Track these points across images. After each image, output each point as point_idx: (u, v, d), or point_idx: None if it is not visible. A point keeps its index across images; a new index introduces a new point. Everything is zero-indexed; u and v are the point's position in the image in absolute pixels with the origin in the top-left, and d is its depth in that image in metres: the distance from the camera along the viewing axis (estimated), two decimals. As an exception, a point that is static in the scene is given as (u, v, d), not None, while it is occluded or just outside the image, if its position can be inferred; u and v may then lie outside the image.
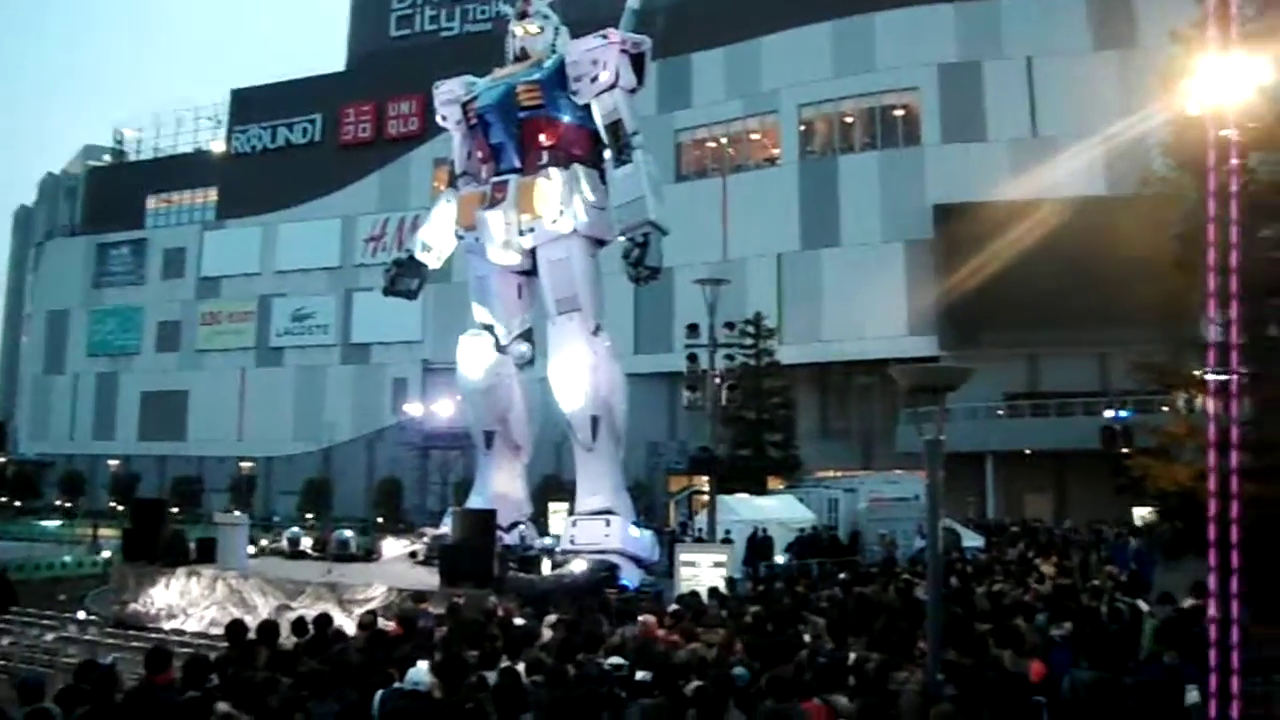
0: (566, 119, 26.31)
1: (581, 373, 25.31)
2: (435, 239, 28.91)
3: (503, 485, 27.97)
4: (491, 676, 10.01)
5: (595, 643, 12.25)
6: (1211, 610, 7.59)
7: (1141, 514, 43.35)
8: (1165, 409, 38.84)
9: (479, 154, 27.85)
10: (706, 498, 37.64)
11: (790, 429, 56.16)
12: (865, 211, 60.72)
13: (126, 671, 14.23)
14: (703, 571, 22.63)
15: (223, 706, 8.77)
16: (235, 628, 12.84)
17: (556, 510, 34.52)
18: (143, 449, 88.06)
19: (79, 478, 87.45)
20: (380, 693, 9.69)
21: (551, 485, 48.14)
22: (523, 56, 27.41)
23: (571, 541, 25.37)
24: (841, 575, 23.71)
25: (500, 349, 27.24)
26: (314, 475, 77.50)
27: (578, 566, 23.69)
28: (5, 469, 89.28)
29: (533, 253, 26.27)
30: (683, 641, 13.09)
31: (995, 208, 53.66)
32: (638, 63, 25.91)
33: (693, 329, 34.74)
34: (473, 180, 27.94)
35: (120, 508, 65.72)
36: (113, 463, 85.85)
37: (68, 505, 79.50)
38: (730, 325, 39.97)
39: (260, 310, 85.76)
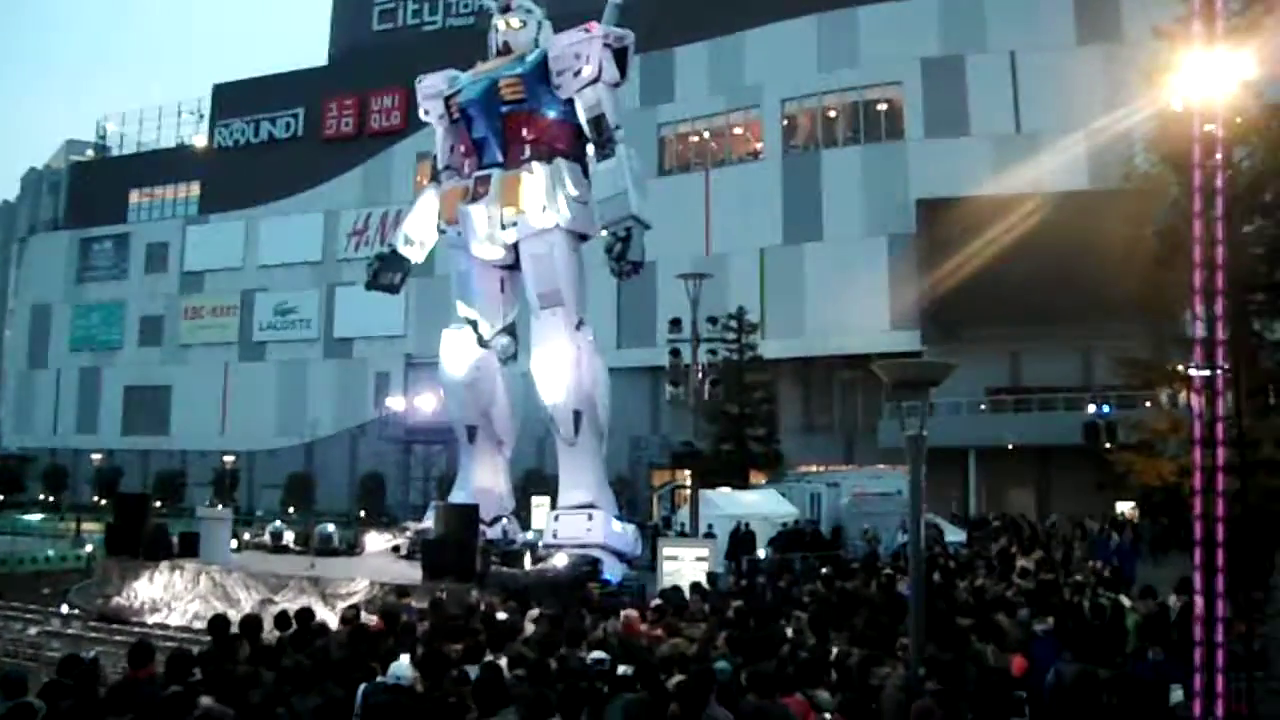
0: (549, 113, 26.28)
1: (564, 367, 25.30)
2: (418, 233, 28.82)
3: (485, 480, 27.93)
4: (474, 671, 10.01)
5: (577, 637, 12.24)
6: (1197, 609, 7.62)
7: (1124, 509, 43.60)
8: (1148, 404, 39.04)
9: (462, 148, 27.78)
10: (689, 492, 37.67)
11: (773, 423, 56.19)
12: (848, 206, 60.79)
13: (109, 666, 14.25)
14: (685, 566, 22.62)
15: (206, 701, 8.75)
16: (218, 622, 12.81)
17: (539, 505, 34.49)
18: (126, 443, 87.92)
19: (62, 472, 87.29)
20: (363, 687, 9.67)
21: (534, 480, 48.17)
22: (505, 51, 27.35)
23: (554, 536, 25.35)
24: (824, 570, 23.72)
25: (483, 343, 27.19)
26: (297, 470, 77.46)
27: (560, 561, 23.66)
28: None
29: (515, 247, 26.23)
30: (665, 636, 13.09)
31: (978, 203, 53.76)
32: (620, 57, 25.84)
33: (675, 323, 34.79)
34: (455, 174, 27.87)
35: (103, 502, 65.66)
36: (96, 457, 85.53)
37: (51, 499, 79.35)
38: (713, 320, 40.12)
39: (243, 305, 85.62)
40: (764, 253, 62.93)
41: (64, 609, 26.62)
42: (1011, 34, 58.12)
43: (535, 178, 25.69)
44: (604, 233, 24.97)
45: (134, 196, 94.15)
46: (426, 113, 28.75)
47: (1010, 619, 14.26)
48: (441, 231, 27.84)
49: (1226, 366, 8.04)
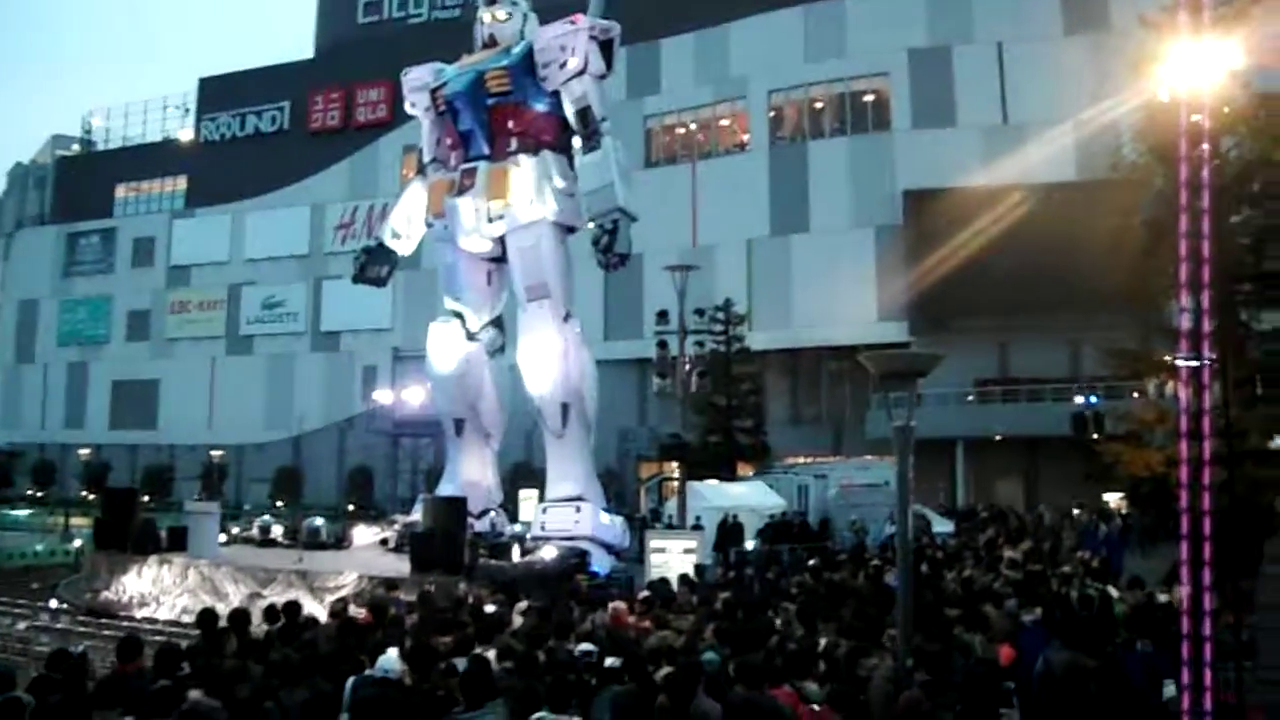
0: (535, 106, 26.33)
1: (552, 359, 25.34)
2: (405, 226, 28.85)
3: (473, 472, 27.97)
4: (462, 663, 10.00)
5: (566, 629, 12.25)
6: (1184, 601, 7.63)
7: (1112, 499, 43.65)
8: (1136, 395, 39.14)
9: (448, 141, 27.82)
10: (677, 484, 37.69)
11: (760, 415, 56.20)
12: (835, 197, 60.72)
13: (98, 660, 14.23)
14: (673, 558, 22.71)
15: (194, 694, 8.73)
16: (206, 616, 12.80)
17: (527, 497, 34.50)
18: (114, 438, 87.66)
19: (50, 467, 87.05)
20: (351, 680, 9.67)
21: (522, 472, 48.15)
22: (491, 43, 27.38)
23: (542, 528, 25.42)
24: (812, 561, 23.78)
25: (470, 336, 27.21)
26: (285, 463, 77.31)
27: (548, 553, 23.73)
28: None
29: (502, 240, 26.25)
30: (653, 628, 13.10)
31: (966, 194, 53.73)
32: (606, 49, 25.90)
33: (663, 315, 34.81)
34: (442, 167, 27.92)
35: (92, 496, 65.50)
36: (84, 452, 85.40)
37: (39, 494, 79.17)
38: (700, 312, 40.10)
39: (230, 299, 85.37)
40: (751, 244, 62.87)
41: (53, 604, 26.62)
42: (999, 24, 58.07)
43: (523, 171, 25.73)
44: (591, 225, 25.06)
45: (120, 191, 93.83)
46: (412, 105, 28.79)
47: (998, 610, 14.28)
48: (429, 224, 27.89)
49: (1213, 357, 8.05)
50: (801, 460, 54.45)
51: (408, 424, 57.14)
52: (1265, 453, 25.03)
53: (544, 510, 26.16)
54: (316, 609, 18.50)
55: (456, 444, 28.32)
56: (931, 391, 46.72)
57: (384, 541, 28.08)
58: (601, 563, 24.54)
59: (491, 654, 10.61)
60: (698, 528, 30.73)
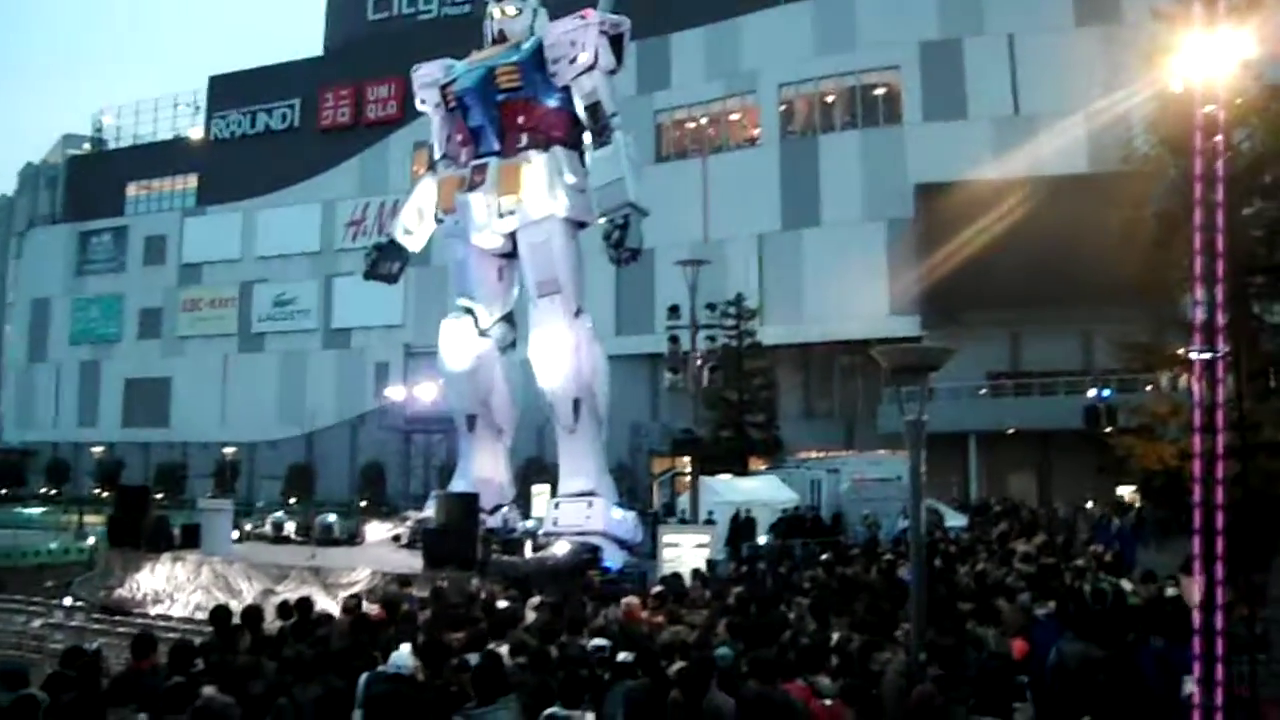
0: (545, 101, 26.26)
1: (563, 355, 25.31)
2: (415, 223, 28.85)
3: (485, 468, 27.96)
4: (475, 659, 10.00)
5: (578, 624, 12.25)
6: (1198, 595, 7.60)
7: (1125, 493, 43.55)
8: (1149, 388, 38.98)
9: (458, 137, 27.78)
10: (689, 479, 37.63)
11: (772, 410, 56.16)
12: (846, 191, 60.64)
13: (112, 657, 14.26)
14: (685, 553, 22.64)
15: (208, 691, 8.74)
16: (220, 613, 12.82)
17: (539, 493, 34.40)
18: (126, 436, 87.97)
19: (64, 465, 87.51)
20: (364, 676, 9.67)
21: (534, 468, 48.10)
22: (501, 39, 27.31)
23: (554, 524, 25.39)
24: (824, 556, 23.74)
25: (482, 332, 27.21)
26: (297, 460, 77.55)
27: (560, 549, 23.70)
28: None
29: (513, 235, 26.23)
30: (666, 623, 13.09)
31: (977, 186, 53.67)
32: (616, 43, 25.82)
33: (674, 310, 34.75)
34: (452, 163, 27.88)
35: (105, 494, 65.60)
36: (97, 450, 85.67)
37: (53, 492, 79.40)
38: (711, 306, 40.04)
39: (241, 296, 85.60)
40: (762, 239, 62.85)
41: (67, 601, 26.68)
42: (1010, 16, 57.95)
43: (534, 167, 25.69)
44: (602, 220, 25.00)
45: (131, 189, 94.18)
46: (423, 102, 28.78)
47: (1011, 604, 14.25)
48: (439, 220, 27.87)
49: (1227, 350, 8.01)
50: (814, 455, 54.39)
51: (420, 420, 57.23)
52: (1279, 446, 24.94)
53: (556, 505, 26.13)
54: (329, 605, 18.52)
55: (469, 440, 28.31)
56: (944, 385, 46.70)
57: (396, 538, 28.12)
58: (614, 558, 24.50)
59: (504, 649, 10.63)
60: (710, 522, 30.68)
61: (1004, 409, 54.41)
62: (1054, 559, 21.02)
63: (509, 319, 27.85)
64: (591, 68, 25.39)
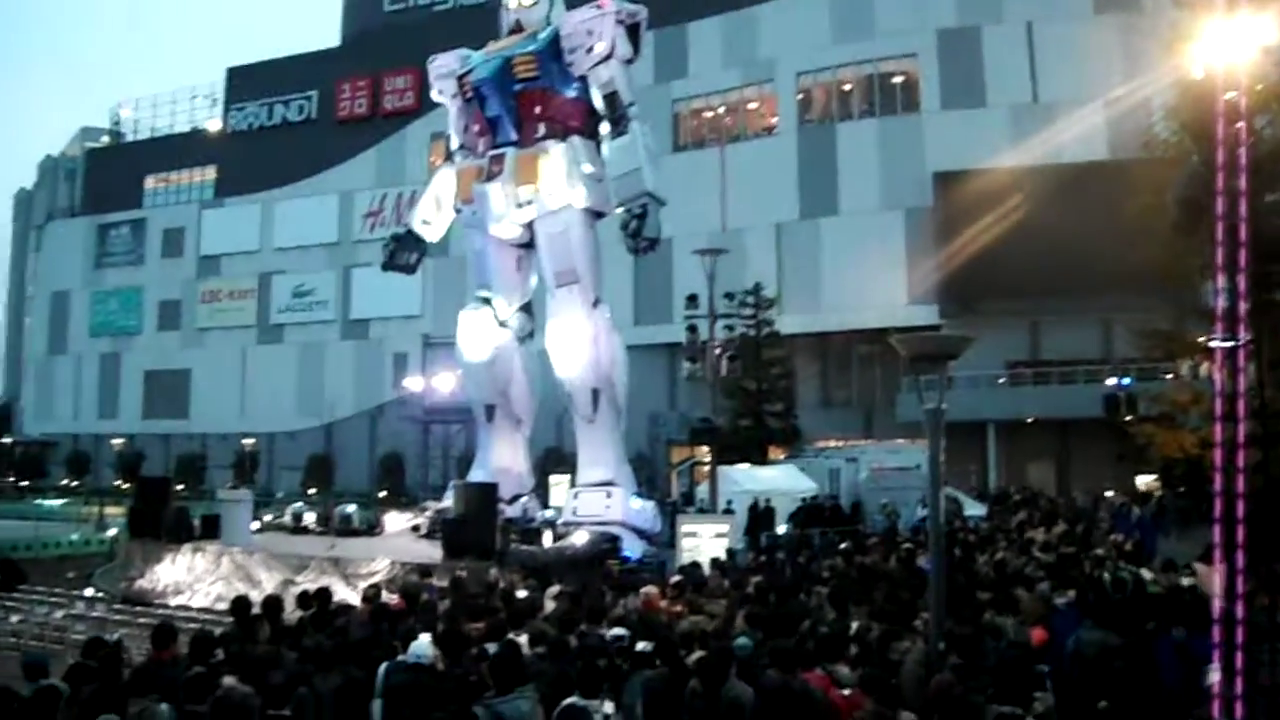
0: (563, 91, 26.25)
1: (581, 345, 25.32)
2: (433, 213, 28.87)
3: (504, 458, 27.99)
4: (494, 649, 10.01)
5: (597, 614, 12.24)
6: (1218, 585, 7.57)
7: (1144, 482, 43.38)
8: (1169, 376, 38.82)
9: (476, 127, 27.78)
10: (708, 468, 37.63)
11: (791, 399, 56.12)
12: (864, 180, 60.48)
13: (133, 648, 14.32)
14: (704, 542, 22.65)
15: (228, 681, 8.77)
16: (240, 603, 12.86)
17: (558, 482, 34.51)
18: (146, 427, 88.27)
19: (84, 457, 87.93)
20: (384, 665, 9.68)
21: (553, 458, 48.21)
22: (518, 29, 27.29)
23: (573, 513, 25.43)
24: (843, 545, 23.71)
25: (500, 323, 27.22)
26: (316, 451, 77.73)
27: (579, 538, 23.73)
28: (11, 449, 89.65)
29: (531, 225, 26.22)
30: (686, 612, 13.09)
31: (995, 174, 53.51)
32: (633, 33, 25.79)
33: (692, 300, 34.71)
34: (470, 154, 27.90)
35: (125, 486, 65.95)
36: (117, 442, 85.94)
37: (74, 484, 79.78)
38: (730, 296, 39.99)
39: (260, 288, 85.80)
40: (780, 228, 62.73)
41: (88, 592, 26.88)
42: (1028, 4, 57.68)
43: (551, 157, 25.68)
44: (619, 210, 24.97)
45: (150, 182, 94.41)
46: (439, 92, 28.77)
47: (1030, 593, 14.21)
48: (457, 211, 27.87)
49: (1249, 338, 7.96)
50: (832, 443, 54.31)
51: (438, 411, 57.25)
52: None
53: (575, 495, 26.17)
54: (349, 595, 18.59)
55: (487, 430, 28.35)
56: (963, 374, 46.55)
57: (416, 528, 28.19)
58: (633, 547, 24.54)
59: (523, 639, 10.63)
60: (729, 512, 30.69)
61: (1023, 397, 54.25)
62: (1074, 548, 20.96)
63: (527, 309, 27.87)
64: (608, 57, 25.35)
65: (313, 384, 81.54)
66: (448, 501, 26.89)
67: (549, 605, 13.61)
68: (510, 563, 20.82)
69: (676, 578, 16.09)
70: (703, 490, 39.21)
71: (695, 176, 62.00)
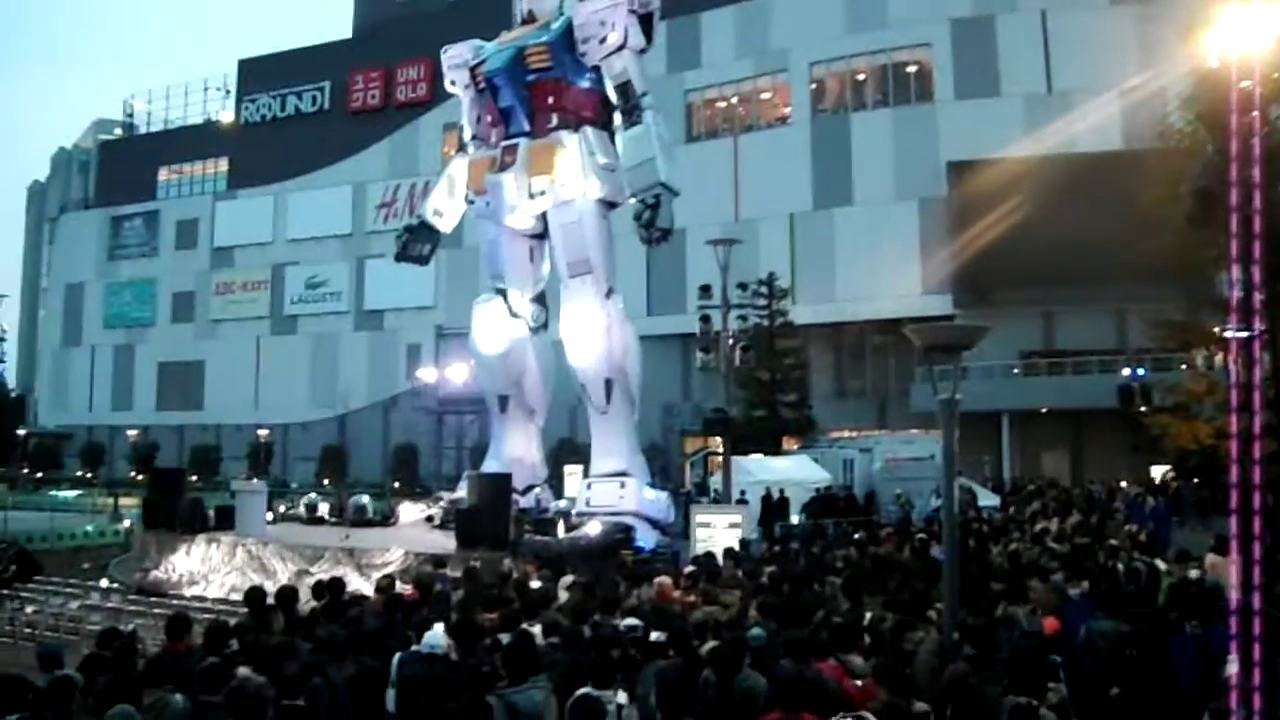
0: (575, 81, 26.20)
1: (595, 335, 25.31)
2: (446, 204, 28.83)
3: (518, 449, 28.02)
4: (508, 639, 10.02)
5: (611, 604, 12.25)
6: (1234, 576, 7.53)
7: (1159, 472, 43.33)
8: (1184, 367, 38.75)
9: (488, 118, 27.78)
10: (721, 459, 37.64)
11: (804, 389, 56.15)
12: (878, 170, 60.35)
13: (148, 638, 14.37)
14: (718, 532, 22.64)
15: (243, 671, 8.80)
16: (254, 594, 12.88)
17: (571, 473, 34.58)
18: (161, 419, 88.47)
19: (99, 448, 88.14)
20: (398, 655, 9.71)
21: (566, 448, 48.29)
22: (530, 19, 27.28)
23: (587, 504, 25.44)
24: (857, 535, 23.70)
25: (513, 313, 27.23)
26: (330, 442, 77.90)
27: (593, 529, 23.72)
28: (26, 441, 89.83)
29: (544, 216, 26.21)
30: (699, 602, 13.09)
31: (1010, 164, 53.35)
32: (646, 23, 25.74)
33: (705, 290, 34.66)
34: (483, 144, 27.91)
35: (140, 477, 66.12)
36: (131, 433, 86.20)
37: (88, 475, 79.97)
38: (743, 286, 40.00)
39: (274, 279, 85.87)
40: (794, 218, 62.64)
41: (103, 583, 26.91)
42: (1042, -7, 57.56)
43: (566, 148, 25.63)
44: (633, 200, 24.95)
45: (163, 174, 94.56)
46: (452, 83, 28.75)
47: (1044, 583, 14.19)
48: (470, 202, 27.85)
49: (1263, 329, 7.93)
50: (846, 434, 54.30)
51: (452, 401, 57.31)
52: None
53: (589, 486, 26.19)
54: (363, 585, 18.63)
55: (501, 421, 28.38)
56: (976, 364, 46.52)
57: (430, 518, 28.20)
58: (646, 537, 24.53)
59: (537, 629, 10.64)
60: (742, 502, 30.71)
61: (1037, 388, 54.19)
62: (1088, 539, 20.92)
63: (541, 299, 27.87)
64: (621, 47, 25.28)
65: (326, 375, 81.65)
66: (461, 492, 26.93)
67: (562, 596, 13.63)
68: (524, 553, 20.82)
69: (690, 568, 16.10)
70: (716, 481, 39.24)
71: (709, 167, 61.97)
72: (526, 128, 26.30)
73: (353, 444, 77.60)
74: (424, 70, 77.26)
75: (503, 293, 27.44)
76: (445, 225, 29.24)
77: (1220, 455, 24.52)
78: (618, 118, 25.58)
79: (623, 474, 25.70)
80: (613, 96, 25.53)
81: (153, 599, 23.52)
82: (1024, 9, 58.11)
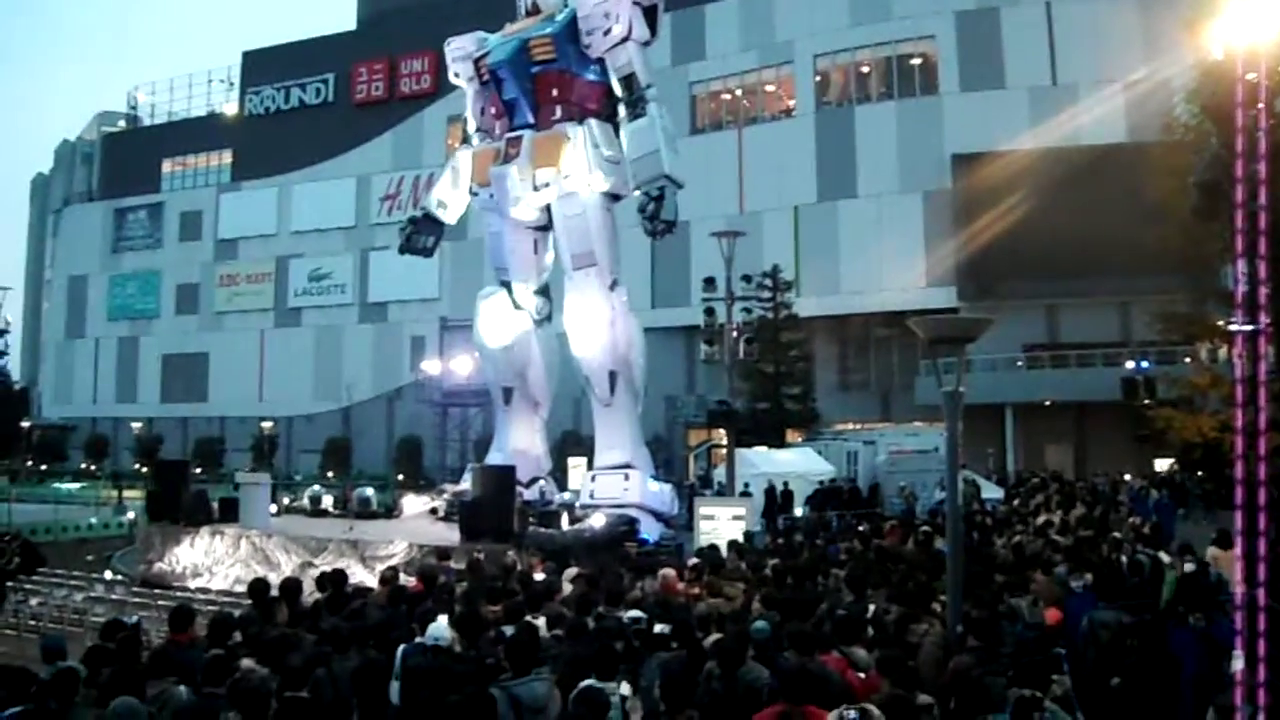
0: (580, 73, 26.16)
1: (599, 327, 25.29)
2: (450, 196, 28.84)
3: (522, 441, 28.03)
4: (512, 631, 10.02)
5: (615, 596, 12.24)
6: (1239, 571, 7.54)
7: (1162, 465, 43.32)
8: (1187, 360, 38.70)
9: (492, 110, 27.77)
10: (725, 451, 37.63)
11: (808, 382, 56.16)
12: (882, 162, 60.31)
13: (152, 630, 14.39)
14: (722, 525, 22.64)
15: (246, 663, 8.81)
16: (258, 586, 12.89)
17: (575, 465, 34.58)
18: (165, 411, 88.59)
19: (103, 441, 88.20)
20: (402, 647, 9.71)
21: (570, 440, 48.30)
22: (534, 11, 27.25)
23: (591, 496, 25.42)
24: (861, 528, 23.69)
25: (517, 305, 27.23)
26: (334, 434, 78.02)
27: (597, 521, 23.73)
28: (30, 433, 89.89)
29: (548, 208, 26.19)
30: (704, 594, 13.09)
31: (1014, 157, 53.35)
32: (650, 15, 25.70)
33: (710, 282, 34.62)
34: (487, 137, 27.91)
35: (144, 469, 66.20)
36: (136, 425, 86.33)
37: (92, 468, 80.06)
38: (747, 278, 39.83)
39: (278, 271, 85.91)
40: (798, 210, 62.59)
41: (107, 575, 26.99)
42: (1047, -15, 57.44)
43: (570, 140, 25.60)
44: (637, 192, 24.93)
45: (167, 166, 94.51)
46: (456, 75, 28.74)
47: (1047, 576, 14.18)
48: (473, 194, 27.83)
49: (1268, 323, 7.91)
50: (850, 426, 54.37)
51: (456, 393, 57.44)
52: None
53: (593, 478, 26.17)
54: (367, 577, 18.65)
55: (505, 413, 28.39)
56: (980, 357, 46.53)
57: (434, 510, 28.22)
58: (650, 530, 24.55)
59: (541, 621, 10.64)
60: (746, 494, 30.70)
61: (1041, 380, 54.16)
62: (1092, 531, 20.91)
63: (545, 292, 27.86)
64: (625, 39, 25.27)
65: (330, 367, 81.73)
66: (465, 484, 26.92)
67: (566, 588, 13.62)
68: (528, 545, 20.83)
69: (694, 560, 16.08)
70: (720, 473, 39.22)
71: (713, 159, 61.97)
72: (530, 120, 26.27)
73: (357, 436, 77.74)
74: (428, 62, 77.27)
75: (507, 285, 27.44)
76: (449, 217, 29.25)
77: (1224, 448, 24.50)
78: (622, 110, 25.56)
79: (627, 466, 25.69)
80: (617, 89, 25.52)
81: (156, 591, 23.57)
82: (1028, 1, 57.98)
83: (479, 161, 27.34)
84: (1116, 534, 20.48)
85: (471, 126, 28.58)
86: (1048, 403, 53.94)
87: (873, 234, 58.48)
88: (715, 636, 9.93)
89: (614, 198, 26.22)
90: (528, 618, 10.75)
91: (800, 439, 51.23)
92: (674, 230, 24.92)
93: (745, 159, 64.67)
